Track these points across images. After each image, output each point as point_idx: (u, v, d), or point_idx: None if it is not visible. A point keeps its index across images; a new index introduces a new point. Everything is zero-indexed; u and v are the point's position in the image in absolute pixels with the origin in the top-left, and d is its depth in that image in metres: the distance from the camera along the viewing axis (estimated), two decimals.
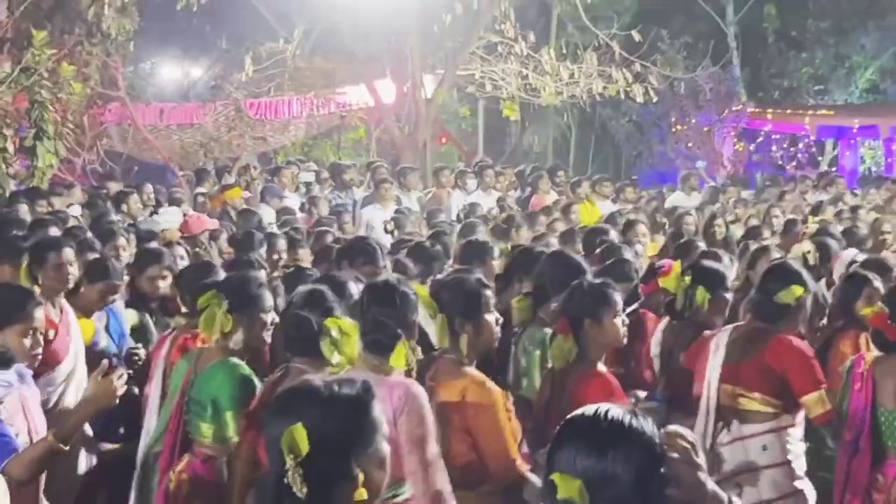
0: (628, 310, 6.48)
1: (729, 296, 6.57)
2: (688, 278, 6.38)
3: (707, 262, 6.77)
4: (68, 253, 6.69)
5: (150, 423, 5.83)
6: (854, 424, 5.59)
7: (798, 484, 5.69)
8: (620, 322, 5.33)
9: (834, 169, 26.31)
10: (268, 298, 5.41)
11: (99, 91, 17.64)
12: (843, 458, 5.64)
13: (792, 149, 26.67)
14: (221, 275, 6.45)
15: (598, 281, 5.45)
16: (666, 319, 6.68)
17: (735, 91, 26.59)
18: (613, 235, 9.50)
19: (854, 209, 13.41)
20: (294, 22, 20.81)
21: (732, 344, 5.83)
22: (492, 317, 5.01)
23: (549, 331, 5.75)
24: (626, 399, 5.29)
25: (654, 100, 20.75)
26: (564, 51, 20.71)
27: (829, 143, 27.84)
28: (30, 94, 14.92)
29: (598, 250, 8.42)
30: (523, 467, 4.82)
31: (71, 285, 6.74)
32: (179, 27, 21.95)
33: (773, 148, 26.31)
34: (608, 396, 4.94)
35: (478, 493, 4.77)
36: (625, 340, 5.46)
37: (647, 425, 2.76)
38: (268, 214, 13.34)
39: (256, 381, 5.19)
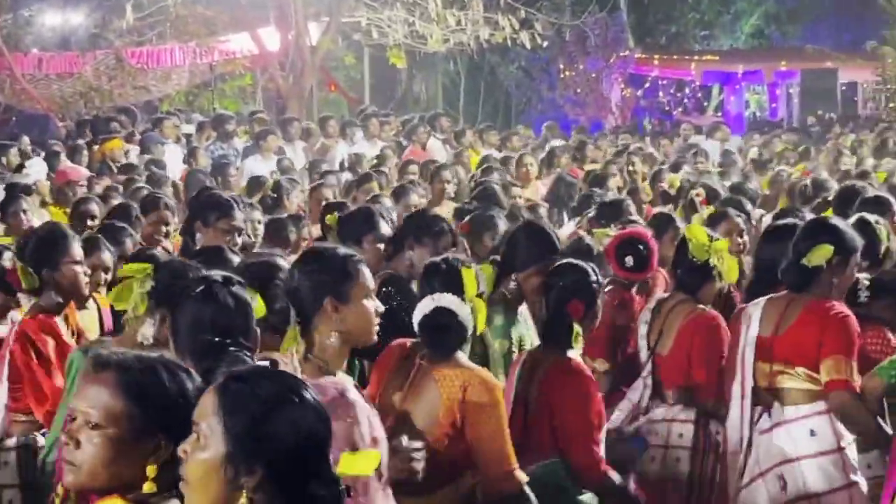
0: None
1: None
2: None
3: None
4: None
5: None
6: None
7: (853, 475, 4.89)
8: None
9: (719, 114, 26.68)
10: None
11: None
12: None
13: (678, 94, 26.93)
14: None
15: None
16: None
17: (622, 37, 26.70)
18: None
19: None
20: None
21: (765, 316, 5.09)
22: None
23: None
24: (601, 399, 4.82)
25: (544, 44, 20.78)
26: None
27: (716, 89, 28.20)
28: None
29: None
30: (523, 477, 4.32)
31: None
32: None
33: (660, 94, 26.55)
34: (585, 395, 4.69)
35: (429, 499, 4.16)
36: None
37: None
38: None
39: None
